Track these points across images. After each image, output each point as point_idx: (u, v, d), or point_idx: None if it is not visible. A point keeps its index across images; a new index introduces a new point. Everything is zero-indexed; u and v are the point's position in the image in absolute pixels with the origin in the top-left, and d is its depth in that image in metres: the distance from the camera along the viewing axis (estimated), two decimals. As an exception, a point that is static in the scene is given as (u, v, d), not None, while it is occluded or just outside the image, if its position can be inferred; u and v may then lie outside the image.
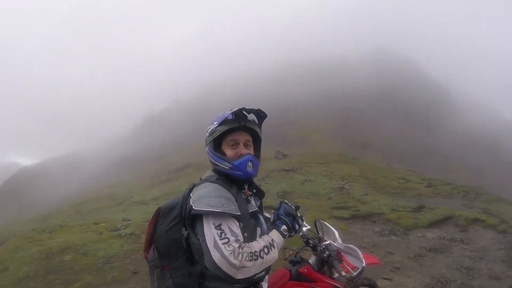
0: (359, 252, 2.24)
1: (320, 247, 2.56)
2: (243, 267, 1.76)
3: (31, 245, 7.52)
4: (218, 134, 2.04)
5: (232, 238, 1.80)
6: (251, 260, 1.79)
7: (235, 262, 1.74)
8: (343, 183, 15.80)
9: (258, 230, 2.08)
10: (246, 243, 1.86)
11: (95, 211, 19.16)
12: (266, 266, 1.92)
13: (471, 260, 6.68)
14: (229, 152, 2.07)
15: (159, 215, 2.10)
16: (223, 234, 1.80)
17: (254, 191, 2.21)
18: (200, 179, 2.14)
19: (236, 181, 2.07)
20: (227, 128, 2.04)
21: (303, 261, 2.71)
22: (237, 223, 1.90)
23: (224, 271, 1.75)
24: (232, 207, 1.90)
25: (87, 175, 51.11)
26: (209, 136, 2.08)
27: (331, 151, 31.90)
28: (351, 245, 2.35)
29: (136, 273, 5.96)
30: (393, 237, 8.41)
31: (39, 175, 61.66)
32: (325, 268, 2.68)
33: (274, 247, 1.93)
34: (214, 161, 2.09)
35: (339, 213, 10.58)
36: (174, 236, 1.99)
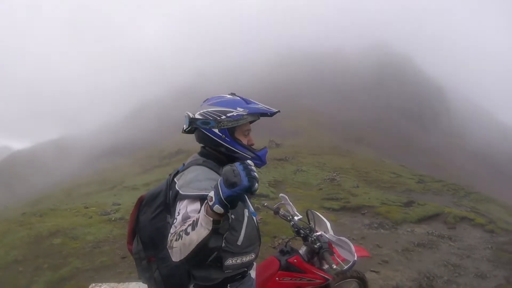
0: (351, 245, 2.23)
1: (312, 238, 2.55)
2: (171, 247, 1.59)
3: (21, 228, 7.47)
4: (244, 122, 1.97)
5: (179, 219, 1.65)
6: (176, 240, 1.56)
7: (169, 243, 1.60)
8: (335, 174, 15.85)
9: (246, 212, 2.01)
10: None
11: (86, 195, 19.07)
12: (190, 249, 1.52)
13: (458, 258, 6.74)
14: (244, 139, 2.04)
15: (142, 203, 2.03)
16: (177, 215, 1.69)
17: None
18: (183, 164, 2.05)
19: (224, 163, 1.93)
20: (253, 120, 2.03)
21: (293, 251, 2.70)
22: (199, 205, 1.69)
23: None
24: None
25: (79, 160, 50.81)
26: (232, 121, 1.94)
27: (324, 143, 32.00)
28: (343, 238, 2.33)
29: (125, 258, 5.94)
30: (382, 230, 8.46)
31: (31, 159, 61.13)
32: (315, 259, 2.68)
33: (196, 226, 1.51)
34: (234, 148, 1.98)
35: (330, 204, 10.63)
36: (159, 225, 1.93)
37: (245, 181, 1.44)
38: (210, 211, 1.47)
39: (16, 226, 7.82)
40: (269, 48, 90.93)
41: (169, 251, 1.60)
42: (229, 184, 1.43)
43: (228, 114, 1.93)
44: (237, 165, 1.49)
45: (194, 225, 1.52)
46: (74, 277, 5.25)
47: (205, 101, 2.07)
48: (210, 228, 1.48)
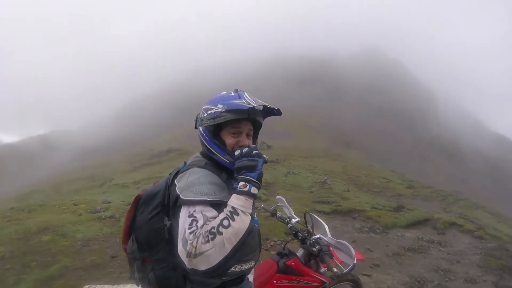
0: (351, 248, 2.20)
1: (310, 240, 2.53)
2: (200, 253, 1.47)
3: (9, 224, 7.33)
4: (223, 121, 1.79)
5: (199, 226, 1.55)
6: (207, 242, 1.47)
7: (191, 250, 1.48)
8: (326, 178, 15.93)
9: None
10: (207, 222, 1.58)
11: (74, 192, 18.87)
12: (234, 243, 1.52)
13: (448, 263, 6.80)
14: (229, 140, 1.85)
15: (139, 202, 1.94)
16: (194, 222, 1.57)
17: None
18: (185, 163, 1.96)
19: (223, 168, 1.88)
20: (235, 118, 1.80)
21: (291, 253, 2.67)
22: (215, 211, 1.64)
23: (186, 265, 1.50)
24: (224, 194, 1.71)
25: (68, 155, 50.30)
26: (209, 119, 1.81)
27: (315, 146, 32.11)
28: (343, 241, 2.31)
29: (115, 258, 5.85)
30: (372, 234, 8.51)
31: (20, 152, 60.50)
32: (312, 262, 2.66)
33: (236, 215, 1.55)
34: (211, 149, 1.86)
35: (321, 207, 10.66)
36: (156, 226, 1.83)
37: (260, 160, 1.70)
38: (247, 196, 1.61)
39: (4, 221, 7.67)
40: (263, 50, 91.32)
41: (191, 260, 1.48)
42: (251, 167, 1.66)
43: (209, 112, 1.82)
44: (242, 153, 1.71)
45: (229, 217, 1.54)
46: (63, 276, 5.15)
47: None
48: (250, 212, 1.60)
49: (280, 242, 6.61)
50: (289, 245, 2.86)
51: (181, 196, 1.67)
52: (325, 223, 2.74)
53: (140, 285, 1.98)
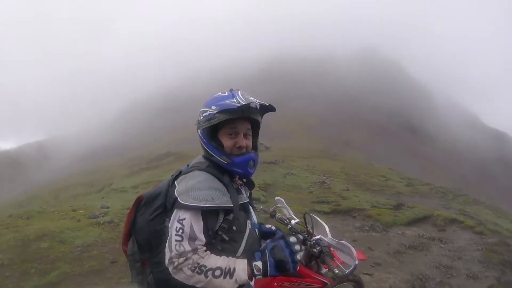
0: (352, 249, 2.16)
1: (310, 242, 2.49)
2: (180, 271, 1.60)
3: (7, 231, 7.30)
4: (217, 122, 1.77)
5: (185, 238, 1.61)
6: (192, 270, 1.58)
7: (175, 261, 1.59)
8: (325, 178, 15.90)
9: (249, 223, 1.90)
10: (204, 252, 1.64)
11: (73, 198, 18.84)
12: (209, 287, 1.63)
13: (449, 259, 6.78)
14: (227, 142, 1.82)
15: (140, 203, 1.92)
16: (180, 230, 1.62)
17: (245, 180, 2.01)
18: (188, 165, 1.94)
19: (224, 171, 1.85)
20: (228, 118, 1.77)
21: None
22: (202, 223, 1.66)
23: (169, 269, 1.63)
24: (224, 199, 1.70)
25: (66, 161, 50.24)
26: (205, 121, 1.80)
27: (314, 147, 32.10)
28: (343, 241, 2.26)
29: (114, 263, 5.83)
30: (373, 233, 8.49)
31: (17, 159, 60.41)
32: (313, 263, 2.63)
33: (229, 277, 1.60)
34: (209, 151, 1.83)
35: (320, 207, 10.62)
36: (156, 228, 1.82)
37: (296, 266, 1.71)
38: (251, 276, 1.64)
39: (2, 228, 7.64)
40: (260, 51, 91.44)
41: (170, 267, 1.61)
42: (282, 263, 1.66)
43: (204, 114, 1.81)
44: (281, 243, 1.71)
45: (227, 273, 1.60)
46: (62, 282, 5.13)
47: None
48: (242, 283, 1.64)
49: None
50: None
51: (179, 200, 1.66)
52: (325, 223, 2.70)
53: None
